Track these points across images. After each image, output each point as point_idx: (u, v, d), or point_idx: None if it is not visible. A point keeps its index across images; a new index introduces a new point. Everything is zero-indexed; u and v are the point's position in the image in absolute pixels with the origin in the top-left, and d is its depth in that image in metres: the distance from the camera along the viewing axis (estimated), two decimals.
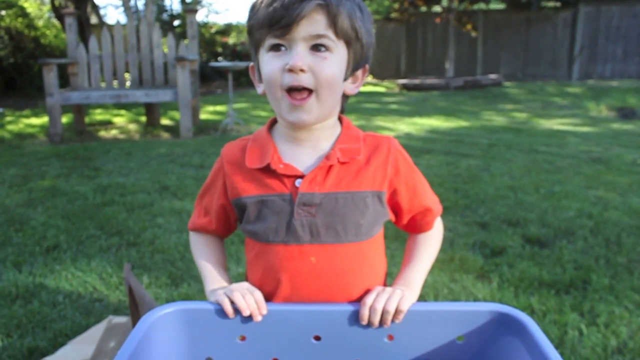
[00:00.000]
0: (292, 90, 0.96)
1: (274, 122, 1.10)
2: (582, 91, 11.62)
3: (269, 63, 0.97)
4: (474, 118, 8.31)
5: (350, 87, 1.04)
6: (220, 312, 1.00)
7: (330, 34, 0.94)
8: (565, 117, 8.34)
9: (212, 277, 1.09)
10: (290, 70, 0.93)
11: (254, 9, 0.98)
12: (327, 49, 0.95)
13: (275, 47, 0.96)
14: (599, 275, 2.60)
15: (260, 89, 1.05)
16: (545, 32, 14.69)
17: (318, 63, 0.94)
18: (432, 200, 1.13)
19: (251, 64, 1.09)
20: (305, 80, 0.94)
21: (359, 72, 1.05)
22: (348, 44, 0.97)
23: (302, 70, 0.93)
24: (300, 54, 0.93)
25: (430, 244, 1.16)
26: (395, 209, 1.09)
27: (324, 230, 1.00)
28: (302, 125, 1.00)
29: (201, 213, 1.15)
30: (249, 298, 0.98)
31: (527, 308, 2.30)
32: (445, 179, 4.39)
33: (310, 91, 0.96)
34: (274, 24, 0.93)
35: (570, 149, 5.72)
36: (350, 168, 1.03)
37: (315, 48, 0.94)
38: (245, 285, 1.02)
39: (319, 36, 0.93)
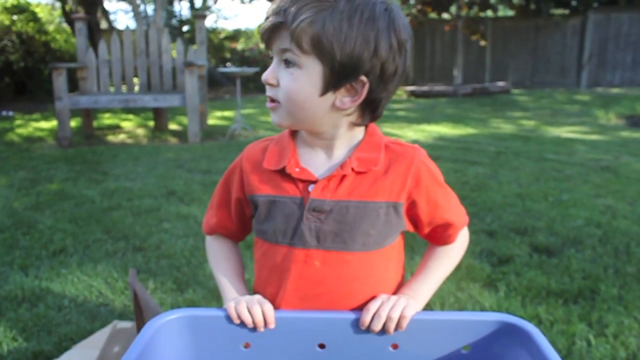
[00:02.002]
0: None
1: None
2: (591, 99, 11.57)
3: None
4: (482, 125, 8.29)
5: (343, 101, 0.97)
6: (225, 319, 0.99)
7: (294, 48, 0.93)
8: (574, 124, 8.31)
9: (230, 289, 1.09)
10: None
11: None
12: (294, 64, 0.95)
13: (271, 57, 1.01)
14: (607, 285, 2.58)
15: None
16: (554, 39, 14.66)
17: (283, 78, 0.96)
18: (455, 214, 1.10)
19: None
20: (273, 93, 0.99)
21: (357, 84, 0.96)
22: (320, 58, 0.93)
23: (271, 84, 0.98)
24: (271, 68, 0.98)
25: (447, 258, 1.13)
26: (414, 220, 1.07)
27: (331, 237, 1.00)
28: (278, 126, 1.04)
29: (215, 211, 1.16)
30: (255, 309, 0.97)
31: (534, 318, 2.29)
32: (453, 187, 4.31)
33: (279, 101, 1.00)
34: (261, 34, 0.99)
35: (578, 157, 5.69)
36: (366, 177, 1.01)
37: (286, 62, 0.96)
38: (256, 297, 1.02)
39: (284, 50, 0.95)
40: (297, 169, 1.02)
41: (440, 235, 1.11)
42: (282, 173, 1.03)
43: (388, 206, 1.01)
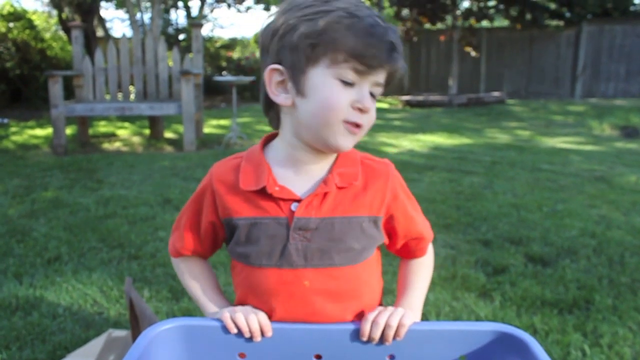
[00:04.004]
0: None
1: (266, 140, 1.07)
2: (585, 110, 11.64)
3: (336, 92, 0.93)
4: (477, 135, 8.32)
5: None
6: (221, 329, 0.99)
7: (384, 82, 0.98)
8: (569, 135, 8.35)
9: (211, 304, 1.08)
10: (361, 110, 0.95)
11: (341, 20, 0.91)
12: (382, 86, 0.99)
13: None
14: (602, 295, 2.58)
15: (287, 100, 0.97)
16: (549, 50, 14.75)
17: (372, 107, 0.98)
18: (425, 227, 1.12)
19: (271, 67, 0.97)
20: (365, 119, 0.97)
21: None
22: None
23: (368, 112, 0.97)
24: (369, 97, 0.96)
25: (423, 270, 1.15)
26: (390, 233, 1.08)
27: (318, 254, 0.99)
28: (344, 151, 1.01)
29: (182, 233, 1.10)
30: (252, 319, 0.97)
31: (529, 327, 2.29)
32: (448, 196, 4.38)
33: None
34: (365, 60, 0.92)
35: (573, 168, 5.72)
36: (347, 193, 1.01)
37: (372, 93, 0.97)
38: (249, 307, 1.01)
39: (379, 85, 0.97)
40: (276, 188, 0.99)
41: (413, 249, 1.13)
42: (262, 193, 0.99)
43: (370, 220, 1.02)
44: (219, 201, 1.03)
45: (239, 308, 1.01)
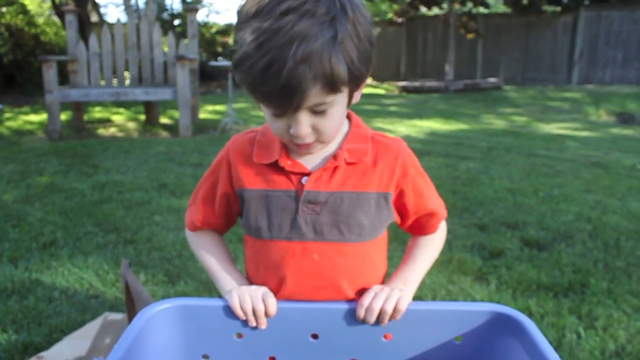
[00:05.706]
0: None
1: None
2: (581, 96, 11.63)
3: (272, 121, 0.94)
4: (473, 121, 8.31)
5: (356, 97, 0.99)
6: (217, 309, 0.99)
7: (330, 98, 0.88)
8: (565, 121, 8.35)
9: (226, 278, 1.08)
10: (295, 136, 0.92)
11: (243, 61, 0.85)
12: (331, 106, 0.91)
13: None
14: (597, 278, 2.59)
15: None
16: (546, 36, 14.70)
17: (319, 122, 0.91)
18: (438, 204, 1.12)
19: None
20: (309, 138, 0.93)
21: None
22: (350, 83, 0.90)
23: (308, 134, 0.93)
24: (302, 123, 0.90)
25: (431, 246, 1.15)
26: (401, 210, 1.08)
27: (327, 228, 1.00)
28: (307, 155, 1.01)
29: (199, 206, 1.11)
30: (259, 310, 0.97)
31: (525, 311, 2.30)
32: (444, 181, 4.38)
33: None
34: (270, 103, 0.88)
35: (569, 153, 5.72)
36: (357, 168, 1.01)
37: (317, 107, 0.90)
38: (260, 293, 0.99)
39: (319, 104, 0.88)
40: (289, 162, 1.00)
41: (424, 225, 1.13)
42: (274, 166, 1.01)
43: (379, 196, 1.02)
44: (234, 172, 1.05)
45: (248, 293, 0.99)
